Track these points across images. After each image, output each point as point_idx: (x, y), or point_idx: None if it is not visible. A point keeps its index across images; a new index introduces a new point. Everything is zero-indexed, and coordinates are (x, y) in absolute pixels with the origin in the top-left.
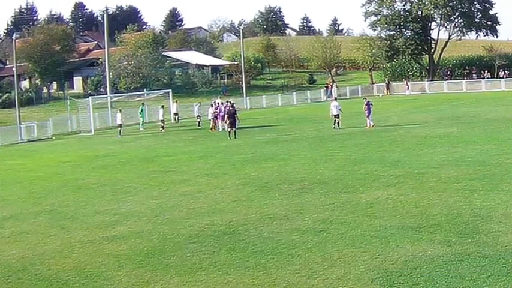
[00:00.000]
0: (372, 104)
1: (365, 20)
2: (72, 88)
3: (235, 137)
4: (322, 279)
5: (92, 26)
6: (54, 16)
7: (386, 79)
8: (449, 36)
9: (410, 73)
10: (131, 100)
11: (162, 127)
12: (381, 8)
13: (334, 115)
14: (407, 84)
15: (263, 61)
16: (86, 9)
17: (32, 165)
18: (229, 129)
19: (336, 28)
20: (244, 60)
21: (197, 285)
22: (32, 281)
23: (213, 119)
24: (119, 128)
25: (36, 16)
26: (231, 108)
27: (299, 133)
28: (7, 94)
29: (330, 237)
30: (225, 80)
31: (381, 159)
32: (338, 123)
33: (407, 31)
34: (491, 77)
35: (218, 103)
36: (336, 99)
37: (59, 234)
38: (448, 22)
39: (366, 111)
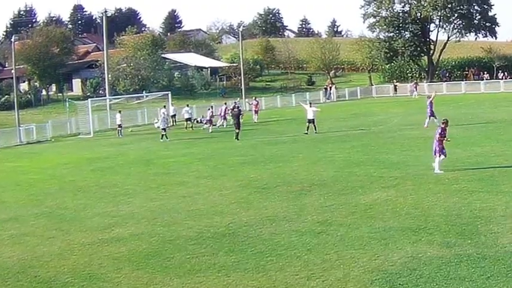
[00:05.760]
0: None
1: (364, 22)
2: (71, 90)
3: (237, 139)
4: (321, 280)
5: (91, 28)
6: (53, 18)
7: (394, 80)
8: (448, 37)
9: (409, 74)
10: (130, 102)
11: (191, 127)
12: (379, 10)
13: (309, 119)
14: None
15: (262, 63)
16: (85, 11)
17: (31, 168)
18: (237, 130)
19: (335, 30)
20: (243, 62)
21: (196, 287)
22: (31, 283)
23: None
24: (119, 129)
25: (35, 18)
26: (235, 110)
27: (298, 135)
28: (6, 96)
29: (329, 239)
30: (224, 82)
31: (380, 161)
32: (314, 127)
33: (406, 32)
34: (490, 79)
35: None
36: (310, 104)
37: (58, 236)
38: (446, 23)
39: (429, 110)
